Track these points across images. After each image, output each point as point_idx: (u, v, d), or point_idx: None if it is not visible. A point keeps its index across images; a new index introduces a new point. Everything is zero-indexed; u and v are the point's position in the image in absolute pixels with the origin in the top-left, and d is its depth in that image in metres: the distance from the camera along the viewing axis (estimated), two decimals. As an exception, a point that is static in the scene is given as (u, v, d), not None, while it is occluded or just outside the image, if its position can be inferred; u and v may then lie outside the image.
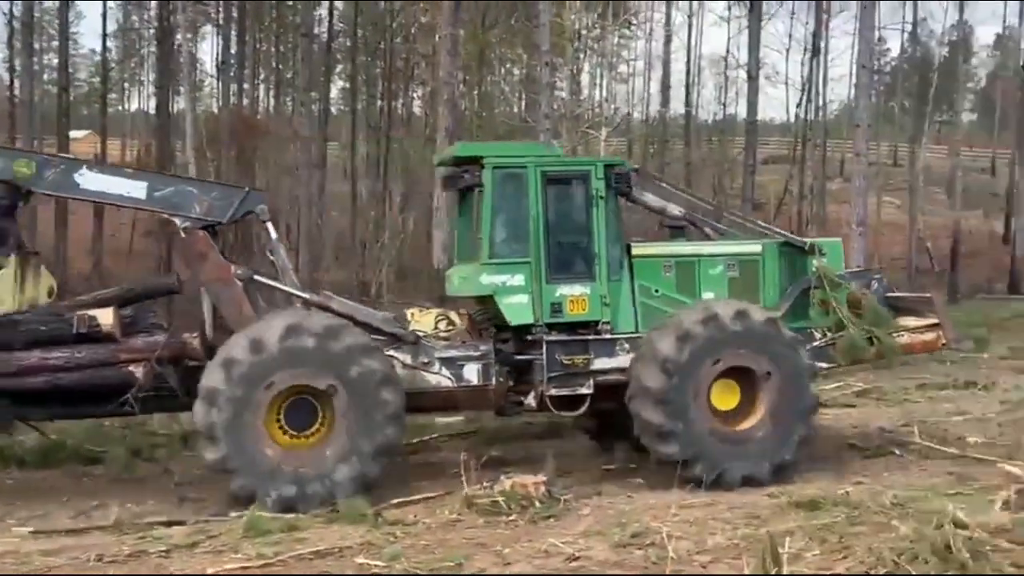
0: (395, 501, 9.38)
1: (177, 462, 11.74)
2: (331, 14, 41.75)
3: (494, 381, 10.67)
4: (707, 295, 11.05)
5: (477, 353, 10.73)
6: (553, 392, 10.64)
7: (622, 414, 10.54)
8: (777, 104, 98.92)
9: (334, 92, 48.56)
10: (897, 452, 11.48)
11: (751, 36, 37.20)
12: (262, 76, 48.87)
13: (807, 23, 46.46)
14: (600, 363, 10.77)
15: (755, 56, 36.43)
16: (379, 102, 40.38)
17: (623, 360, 10.72)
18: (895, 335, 11.29)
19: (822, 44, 44.46)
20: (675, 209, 11.84)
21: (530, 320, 10.65)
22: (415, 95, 42.36)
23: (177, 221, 10.48)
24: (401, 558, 7.29)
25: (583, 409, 10.79)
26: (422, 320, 11.49)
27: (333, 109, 48.35)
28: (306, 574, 7.30)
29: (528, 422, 13.48)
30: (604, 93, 37.87)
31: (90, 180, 10.43)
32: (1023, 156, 41.87)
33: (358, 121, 42.20)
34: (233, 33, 38.99)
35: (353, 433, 9.56)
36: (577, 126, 27.92)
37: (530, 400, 10.77)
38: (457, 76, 21.78)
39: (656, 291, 11.06)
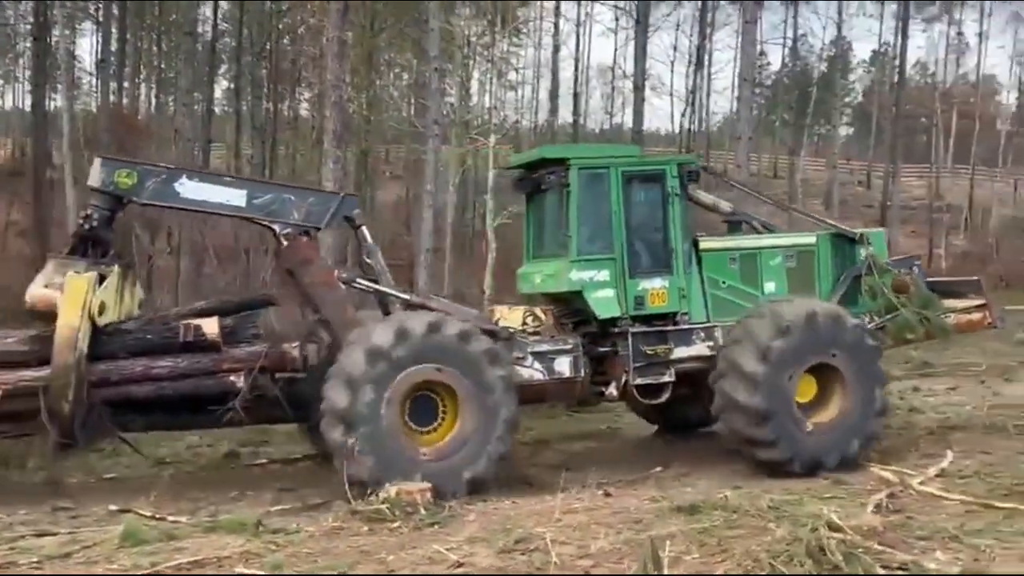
0: (276, 509, 9.23)
1: (49, 471, 11.26)
2: (215, 13, 40.98)
3: (582, 373, 11.21)
4: (768, 285, 11.85)
5: (568, 347, 11.26)
6: (639, 381, 11.24)
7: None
8: (662, 114, 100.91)
9: (218, 92, 47.67)
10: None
11: (637, 47, 37.88)
12: (143, 75, 47.69)
13: (691, 36, 47.49)
14: (679, 352, 11.40)
15: (641, 67, 37.08)
16: (265, 103, 39.73)
17: (699, 348, 11.42)
18: (944, 316, 12.23)
19: (706, 57, 45.48)
20: (725, 205, 12.62)
21: (617, 313, 11.24)
22: (302, 97, 41.85)
23: (276, 228, 10.72)
24: (283, 567, 7.17)
25: (665, 396, 11.39)
26: (510, 317, 11.85)
27: (217, 110, 47.45)
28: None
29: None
30: (493, 100, 37.92)
31: (190, 189, 10.53)
32: (897, 169, 43.43)
33: (243, 122, 41.48)
34: (113, 30, 37.85)
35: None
36: (466, 132, 27.93)
37: (611, 390, 11.38)
38: (345, 79, 21.49)
39: (723, 283, 11.77)
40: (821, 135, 58.52)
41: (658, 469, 10.95)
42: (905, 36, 43.54)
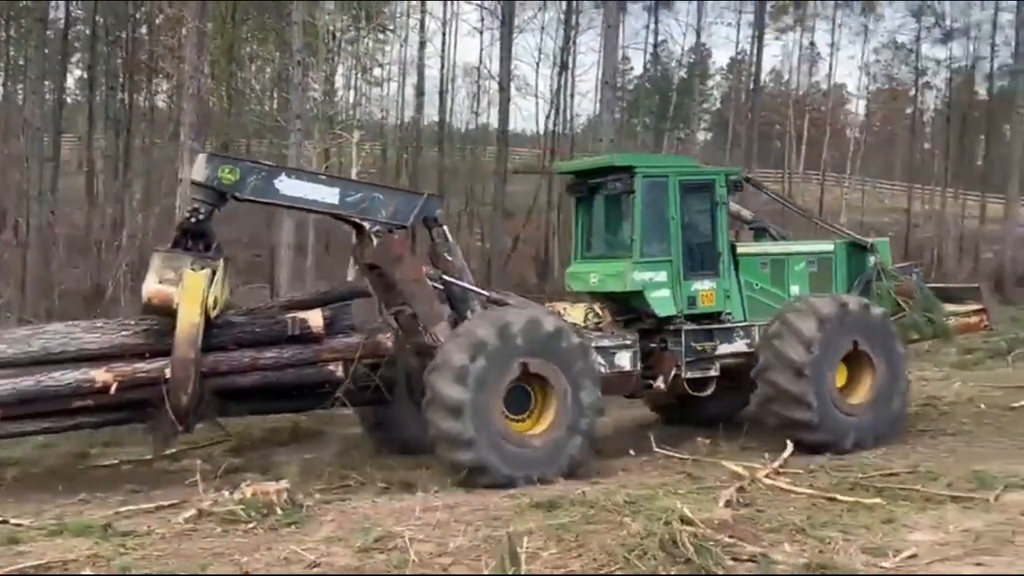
0: (125, 510, 8.95)
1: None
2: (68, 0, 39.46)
3: (638, 367, 12.29)
4: (793, 288, 13.21)
5: (627, 342, 12.31)
6: (689, 375, 12.41)
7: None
8: (528, 115, 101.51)
9: (70, 82, 45.91)
10: (631, 452, 11.98)
11: (503, 48, 38.03)
12: (-10, 61, 45.61)
13: (556, 39, 47.94)
14: (723, 348, 12.63)
15: (507, 68, 37.25)
16: (120, 94, 38.43)
17: (739, 345, 12.69)
18: (946, 319, 13.61)
19: (570, 60, 45.97)
20: (747, 213, 14.09)
21: (673, 312, 12.38)
22: (159, 88, 40.65)
23: (366, 225, 11.25)
24: (132, 569, 6.95)
25: (710, 390, 12.58)
26: (573, 313, 12.59)
27: (69, 100, 45.72)
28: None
29: (273, 428, 13.28)
30: (358, 96, 37.63)
31: (288, 186, 10.99)
32: (752, 173, 44.74)
33: (96, 113, 40.05)
34: (-43, 14, 36.12)
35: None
36: (330, 128, 27.61)
37: (659, 383, 12.48)
38: (204, 71, 20.99)
39: (756, 285, 13.10)
40: (681, 139, 59.86)
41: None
42: (760, 45, 44.90)
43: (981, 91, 52.81)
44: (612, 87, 26.87)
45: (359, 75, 35.16)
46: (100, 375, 10.34)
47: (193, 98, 19.74)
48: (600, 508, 8.23)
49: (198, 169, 10.72)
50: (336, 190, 11.26)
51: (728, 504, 8.67)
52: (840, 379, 12.25)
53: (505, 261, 41.47)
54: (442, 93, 45.31)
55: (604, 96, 26.26)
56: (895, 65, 55.61)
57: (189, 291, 10.16)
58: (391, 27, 36.44)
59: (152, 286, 10.24)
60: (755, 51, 45.55)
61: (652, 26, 50.74)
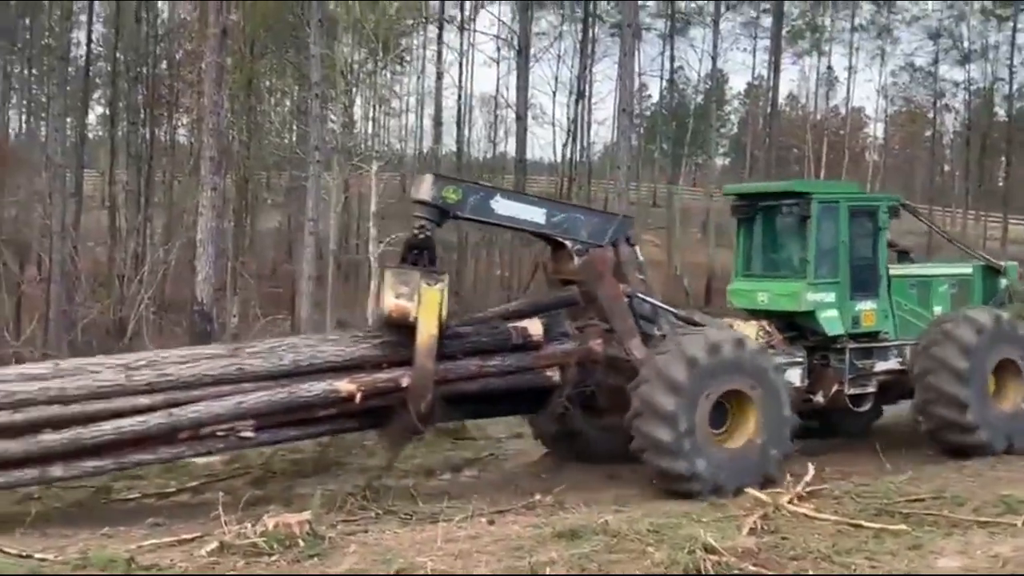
0: (148, 544, 8.94)
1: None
2: (89, 37, 39.97)
3: (805, 383, 12.85)
4: (936, 308, 13.72)
5: (798, 359, 12.89)
6: (851, 391, 12.98)
7: None
8: (545, 144, 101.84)
9: (92, 118, 46.44)
10: (654, 481, 11.91)
11: (519, 77, 38.25)
12: (13, 100, 46.18)
13: (572, 67, 48.16)
14: (879, 366, 13.27)
15: (523, 97, 37.49)
16: (141, 129, 38.81)
17: (892, 363, 13.32)
18: None
19: (586, 88, 46.17)
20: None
21: (841, 331, 12.91)
22: (179, 123, 41.04)
23: (568, 244, 11.88)
24: (155, 605, 6.94)
25: (868, 405, 13.20)
26: (745, 330, 12.68)
27: (91, 135, 46.20)
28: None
29: (295, 459, 13.28)
30: (376, 127, 37.89)
31: (503, 206, 11.70)
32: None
33: (118, 148, 40.46)
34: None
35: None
36: (349, 159, 27.79)
37: (819, 398, 12.97)
38: (223, 105, 21.20)
39: (905, 305, 13.61)
40: (698, 165, 59.95)
41: (537, 497, 10.95)
42: (777, 70, 45.00)
43: (1001, 112, 52.69)
44: (629, 114, 26.94)
45: (377, 106, 35.39)
46: (344, 385, 10.91)
47: (213, 132, 19.90)
48: (623, 537, 8.18)
49: (424, 189, 11.29)
50: (543, 211, 11.98)
51: (752, 532, 8.60)
52: (991, 387, 12.94)
53: (526, 287, 41.52)
54: (459, 123, 45.65)
55: (621, 123, 26.30)
56: (913, 88, 55.58)
57: (427, 305, 10.78)
58: (408, 59, 36.73)
59: (391, 301, 10.86)
60: (772, 76, 45.59)
61: (668, 53, 50.93)
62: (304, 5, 29.34)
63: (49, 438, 10.06)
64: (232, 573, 7.86)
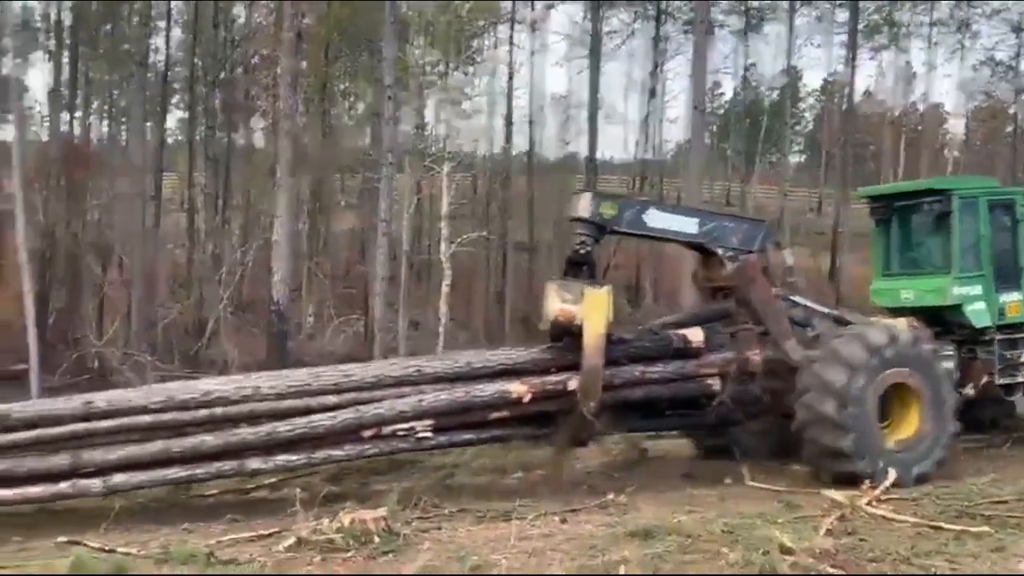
0: (227, 539, 9.11)
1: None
2: (167, 43, 40.79)
3: (956, 376, 12.85)
4: None
5: (949, 353, 13.06)
6: (1001, 381, 13.22)
7: None
8: (616, 143, 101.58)
9: (171, 122, 47.35)
10: (728, 481, 11.83)
11: (591, 76, 38.16)
12: (95, 105, 47.27)
13: (644, 65, 47.90)
14: None
15: (594, 96, 37.36)
16: (218, 133, 39.50)
17: None
18: None
19: (658, 86, 45.91)
20: None
21: (988, 323, 13.14)
22: (256, 126, 41.69)
23: (720, 251, 12.22)
24: (235, 599, 7.07)
25: (1020, 394, 13.48)
26: (898, 325, 12.82)
27: (170, 139, 47.11)
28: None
29: (369, 458, 13.40)
30: (447, 128, 38.07)
31: (656, 219, 12.08)
32: (847, 196, 43.93)
33: (196, 152, 41.24)
34: (65, 60, 37.53)
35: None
36: (421, 160, 28.00)
37: (968, 390, 12.99)
38: (298, 108, 21.54)
39: None
40: (772, 162, 59.18)
41: (610, 496, 10.93)
42: (854, 65, 44.23)
43: (1084, 106, 51.19)
44: (701, 112, 26.75)
45: (449, 108, 35.52)
46: (516, 387, 11.36)
47: (288, 135, 20.19)
48: (697, 537, 8.13)
49: (583, 206, 11.68)
50: (695, 220, 12.33)
51: (829, 533, 8.49)
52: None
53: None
54: (531, 123, 45.55)
55: (693, 121, 26.14)
56: (994, 82, 54.18)
57: (593, 306, 11.10)
58: (479, 60, 36.86)
59: (556, 306, 11.19)
60: (849, 71, 44.85)
61: (741, 49, 50.40)
62: (377, 8, 29.60)
63: (246, 431, 10.78)
64: (309, 569, 7.97)
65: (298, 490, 10.50)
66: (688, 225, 12.22)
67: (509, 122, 43.40)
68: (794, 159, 62.21)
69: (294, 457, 10.97)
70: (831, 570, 7.03)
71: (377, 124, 30.48)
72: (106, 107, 46.91)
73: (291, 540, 8.68)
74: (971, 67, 53.93)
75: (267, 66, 37.41)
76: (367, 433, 11.09)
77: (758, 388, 12.31)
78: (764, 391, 12.32)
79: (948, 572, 7.27)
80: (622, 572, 7.02)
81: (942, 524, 8.87)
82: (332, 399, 11.11)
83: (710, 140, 46.13)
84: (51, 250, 30.91)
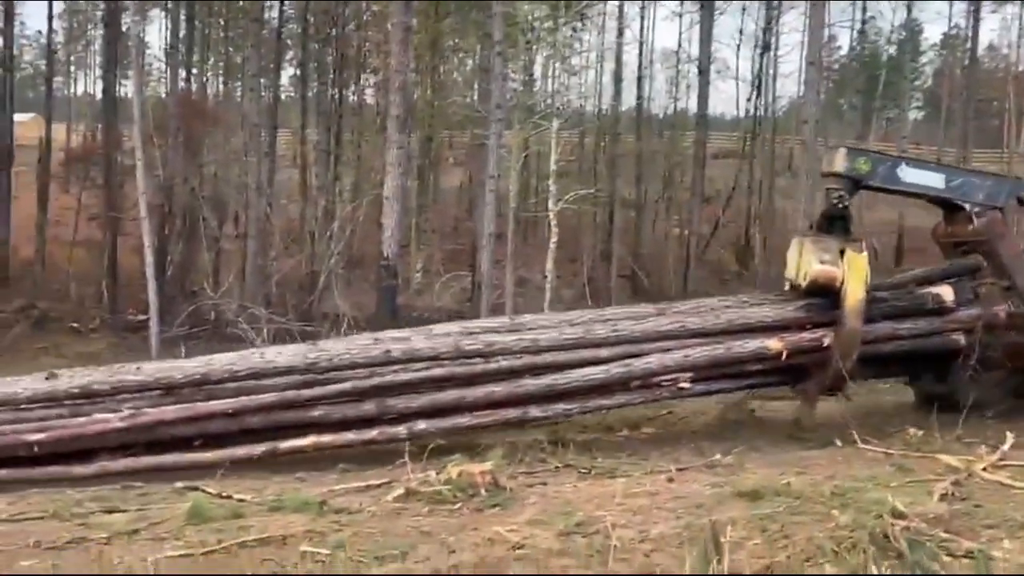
0: (339, 488, 9.33)
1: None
2: (281, 0, 41.38)
3: None
4: None
5: None
6: None
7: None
8: (727, 99, 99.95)
9: (284, 79, 48.16)
10: (838, 443, 11.64)
11: (702, 31, 37.54)
12: (211, 61, 48.31)
13: (758, 19, 46.85)
14: None
15: (706, 51, 36.79)
16: (330, 90, 40.03)
17: None
18: None
19: (772, 40, 44.90)
20: None
21: None
22: (367, 83, 42.10)
23: (967, 207, 12.51)
24: (345, 545, 7.24)
25: None
26: None
27: (283, 96, 47.94)
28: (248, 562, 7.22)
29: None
30: (556, 84, 37.89)
31: (908, 174, 12.43)
32: (968, 154, 42.52)
33: (308, 108, 41.86)
34: (182, 17, 38.39)
35: None
36: (529, 117, 27.93)
37: None
38: (409, 65, 21.68)
39: None
40: (890, 119, 57.46)
41: (717, 456, 10.86)
42: (977, 19, 42.61)
43: None
44: (817, 67, 26.08)
45: (558, 64, 35.32)
46: (774, 343, 11.95)
47: (399, 91, 20.35)
48: (806, 499, 8.01)
49: (839, 161, 12.12)
50: (942, 176, 12.66)
51: (943, 498, 8.28)
52: None
53: (704, 247, 40.96)
54: (640, 79, 45.10)
55: (808, 76, 25.46)
56: None
57: (856, 271, 11.64)
58: (589, 15, 36.50)
59: (816, 266, 11.70)
60: (971, 25, 43.15)
61: (859, 2, 48.88)
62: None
63: (529, 383, 11.59)
64: (417, 520, 8.12)
65: (407, 443, 10.70)
66: (936, 181, 12.55)
67: (618, 78, 43.00)
68: (912, 115, 60.29)
69: (570, 406, 11.76)
70: (944, 535, 6.87)
71: (486, 80, 30.47)
72: (222, 64, 47.94)
73: (400, 491, 8.84)
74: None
75: (378, 23, 37.69)
76: (635, 383, 11.83)
77: (1000, 342, 12.56)
78: (1006, 345, 12.57)
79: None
80: (729, 532, 6.97)
81: (1063, 493, 8.59)
82: (604, 352, 11.79)
83: (825, 95, 44.94)
84: (169, 204, 31.79)
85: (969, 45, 44.91)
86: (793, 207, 30.12)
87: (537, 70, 34.95)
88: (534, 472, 10.33)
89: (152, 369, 11.53)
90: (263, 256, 29.92)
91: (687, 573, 6.21)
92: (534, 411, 11.61)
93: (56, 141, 42.82)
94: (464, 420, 11.42)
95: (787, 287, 12.83)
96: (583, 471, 10.35)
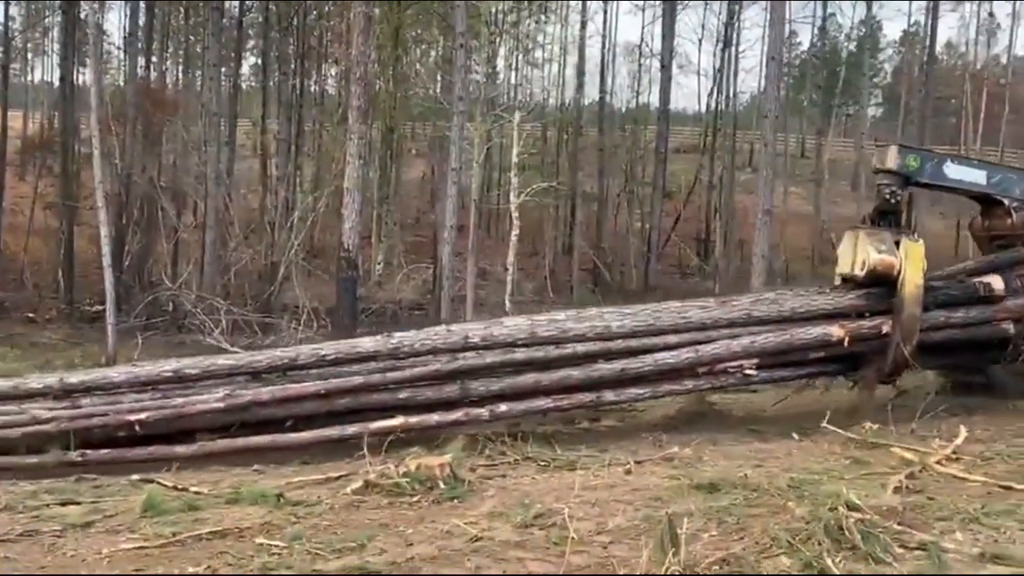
0: (297, 480, 9.28)
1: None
2: (242, -11, 41.01)
3: None
4: None
5: None
6: None
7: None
8: (689, 93, 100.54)
9: (245, 68, 47.77)
10: (795, 436, 11.74)
11: (665, 25, 37.64)
12: (171, 50, 47.78)
13: (720, 14, 47.09)
14: None
15: (668, 45, 36.86)
16: (291, 79, 39.75)
17: None
18: None
19: (734, 36, 45.13)
20: None
21: None
22: (328, 73, 41.86)
23: (1006, 202, 13.16)
24: (302, 538, 7.20)
25: None
26: None
27: (244, 85, 47.53)
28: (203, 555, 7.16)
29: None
30: (519, 77, 37.86)
31: (953, 171, 12.99)
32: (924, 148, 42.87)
33: (269, 98, 41.54)
34: (141, 4, 37.92)
35: None
36: (491, 109, 27.90)
37: None
38: (370, 55, 21.52)
39: None
40: (849, 115, 58.00)
41: (675, 448, 10.91)
42: (935, 16, 43.00)
43: None
44: (778, 62, 26.21)
45: (520, 57, 35.30)
46: (835, 331, 12.34)
47: (360, 82, 20.23)
48: (763, 492, 8.08)
49: (891, 158, 12.58)
50: (983, 172, 13.21)
51: (897, 490, 8.38)
52: None
53: (665, 241, 41.13)
54: (603, 73, 45.17)
55: (769, 71, 25.58)
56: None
57: (913, 259, 12.18)
58: (552, 8, 36.50)
59: (875, 256, 12.23)
60: (929, 23, 43.61)
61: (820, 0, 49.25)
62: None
63: (604, 367, 11.82)
64: (375, 512, 8.09)
65: (367, 435, 10.65)
66: (978, 177, 13.08)
67: (581, 72, 43.06)
68: (872, 112, 60.88)
69: (642, 391, 12.05)
70: (897, 527, 6.95)
71: (448, 72, 30.38)
72: (181, 52, 47.45)
73: (358, 483, 8.81)
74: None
75: (340, 12, 37.45)
76: (702, 369, 12.11)
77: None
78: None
79: (1019, 533, 7.13)
80: (686, 524, 7.01)
81: (1012, 484, 8.71)
82: (673, 338, 12.11)
83: (785, 91, 45.22)
84: (127, 193, 31.44)
85: (927, 43, 45.34)
86: (753, 201, 30.31)
87: (500, 62, 34.94)
88: (494, 464, 10.32)
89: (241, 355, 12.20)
90: (222, 247, 29.66)
91: (643, 571, 6.23)
92: (608, 395, 11.89)
93: (13, 129, 42.12)
94: (542, 403, 11.65)
95: (838, 281, 13.24)
96: (543, 463, 10.36)
